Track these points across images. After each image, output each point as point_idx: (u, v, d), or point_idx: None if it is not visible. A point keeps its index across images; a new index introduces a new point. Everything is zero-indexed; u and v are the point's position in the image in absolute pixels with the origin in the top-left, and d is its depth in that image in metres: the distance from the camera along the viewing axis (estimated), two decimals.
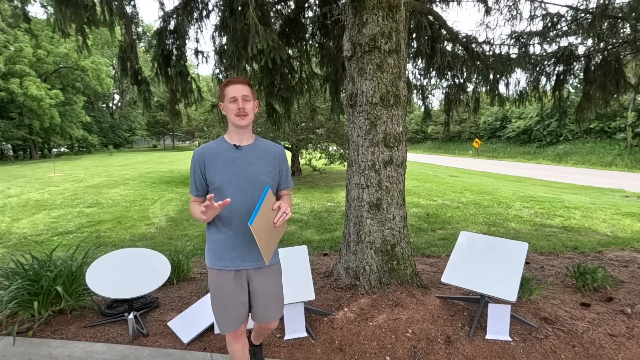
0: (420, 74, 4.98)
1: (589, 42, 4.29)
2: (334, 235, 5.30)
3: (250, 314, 1.78)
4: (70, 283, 2.86)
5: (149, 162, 22.84)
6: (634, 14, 3.53)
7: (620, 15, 3.84)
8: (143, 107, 3.87)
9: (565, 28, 4.25)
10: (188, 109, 4.35)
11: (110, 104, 50.87)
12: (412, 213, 6.83)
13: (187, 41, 3.91)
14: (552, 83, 4.68)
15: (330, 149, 12.19)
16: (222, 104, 1.69)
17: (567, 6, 4.13)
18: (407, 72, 3.90)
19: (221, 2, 3.87)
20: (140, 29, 3.83)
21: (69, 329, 2.66)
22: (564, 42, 4.40)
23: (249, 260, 1.68)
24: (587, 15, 4.03)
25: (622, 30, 4.07)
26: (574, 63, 4.47)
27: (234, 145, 1.68)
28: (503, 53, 4.53)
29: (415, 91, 5.16)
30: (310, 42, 4.76)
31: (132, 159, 26.40)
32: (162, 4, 3.73)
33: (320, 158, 12.15)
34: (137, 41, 3.72)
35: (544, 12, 4.28)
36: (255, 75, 3.97)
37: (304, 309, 2.57)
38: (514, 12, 4.41)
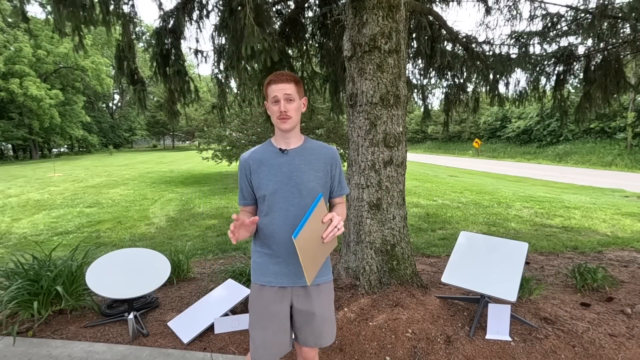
0: (420, 74, 4.99)
1: (589, 42, 4.29)
2: None
3: (296, 337, 1.58)
4: (70, 283, 2.86)
5: (149, 162, 22.84)
6: (634, 14, 3.53)
7: (620, 15, 3.83)
8: (138, 108, 3.87)
9: (565, 28, 4.25)
10: (188, 109, 4.35)
11: (110, 104, 50.89)
12: (412, 213, 6.83)
13: (186, 41, 3.92)
14: (552, 83, 4.68)
15: None
16: (266, 104, 1.52)
17: (567, 6, 4.13)
18: (407, 72, 3.90)
19: (220, 2, 3.87)
20: (139, 29, 3.83)
21: (69, 329, 2.65)
22: (564, 42, 4.41)
23: (294, 277, 1.50)
24: (587, 15, 4.03)
25: (622, 30, 4.07)
26: (574, 63, 4.47)
27: (280, 149, 1.51)
28: (503, 53, 4.53)
29: (415, 91, 5.16)
30: (310, 42, 4.76)
31: (132, 159, 26.40)
32: (160, 3, 3.73)
33: None
34: (136, 41, 3.72)
35: (544, 12, 4.28)
36: (255, 75, 3.97)
37: None
38: (514, 12, 4.41)
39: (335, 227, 1.33)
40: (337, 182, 1.59)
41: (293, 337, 1.61)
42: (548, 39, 4.34)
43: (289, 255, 1.48)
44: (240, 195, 1.58)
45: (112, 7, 3.15)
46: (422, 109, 5.47)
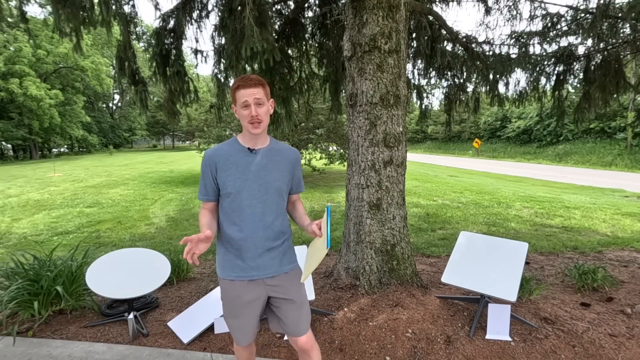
0: (419, 74, 4.99)
1: (589, 42, 4.29)
2: (334, 235, 5.30)
3: (287, 332, 1.66)
4: (70, 283, 2.86)
5: (149, 162, 22.84)
6: (633, 14, 3.53)
7: (620, 15, 3.84)
8: (140, 108, 3.87)
9: (565, 28, 4.26)
10: (188, 109, 4.35)
11: (110, 104, 50.88)
12: (412, 213, 6.83)
13: (186, 41, 3.91)
14: (552, 83, 4.68)
15: (330, 149, 12.19)
16: (234, 107, 1.55)
17: (567, 6, 4.13)
18: (407, 72, 3.90)
19: (220, 2, 3.87)
20: (139, 29, 3.83)
21: (69, 329, 2.65)
22: (564, 42, 4.41)
23: (262, 268, 1.57)
24: (587, 15, 4.04)
25: (622, 30, 4.07)
26: (574, 63, 4.48)
27: (248, 148, 1.56)
28: (503, 53, 4.53)
29: (415, 91, 5.16)
30: (310, 42, 4.76)
31: (132, 159, 26.40)
32: (157, 4, 3.72)
33: (320, 158, 12.15)
34: (137, 41, 3.73)
35: (544, 12, 4.29)
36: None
37: None
38: (514, 12, 4.41)
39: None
40: (297, 181, 1.71)
41: (279, 331, 1.71)
42: (548, 39, 4.34)
43: (258, 251, 1.55)
44: (202, 190, 1.59)
45: (112, 8, 3.15)
46: (421, 109, 5.47)
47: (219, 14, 3.89)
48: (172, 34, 3.84)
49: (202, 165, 1.57)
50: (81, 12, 3.05)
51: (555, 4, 4.39)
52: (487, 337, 2.40)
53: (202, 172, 1.57)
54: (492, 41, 4.54)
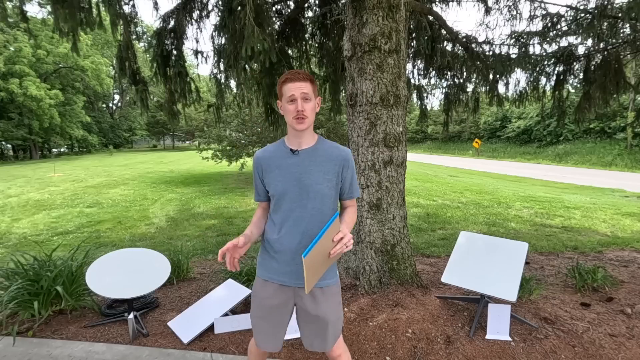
0: (419, 74, 4.99)
1: (589, 42, 4.30)
2: None
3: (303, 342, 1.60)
4: (70, 283, 2.86)
5: (149, 162, 22.84)
6: (633, 14, 3.53)
7: (620, 15, 3.84)
8: (141, 107, 3.88)
9: (565, 28, 4.26)
10: (188, 109, 4.36)
11: (110, 104, 50.89)
12: (412, 213, 6.83)
13: (186, 41, 3.91)
14: (552, 83, 4.68)
15: None
16: (279, 103, 1.49)
17: (567, 6, 4.14)
18: (407, 72, 3.90)
19: (220, 2, 3.87)
20: (140, 29, 3.83)
21: (69, 329, 2.65)
22: (564, 42, 4.41)
23: (295, 276, 1.48)
24: (587, 15, 4.04)
25: (622, 30, 4.07)
26: (574, 63, 4.48)
27: (291, 149, 1.49)
28: (503, 53, 4.53)
29: (415, 91, 5.17)
30: (310, 42, 4.76)
31: (132, 159, 26.40)
32: (156, 3, 3.72)
33: None
34: (137, 41, 3.73)
35: (544, 12, 4.29)
36: (254, 75, 3.97)
37: None
38: (514, 12, 4.41)
39: (345, 244, 1.31)
40: (348, 185, 1.54)
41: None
42: (548, 39, 4.34)
43: (291, 256, 1.47)
44: (255, 191, 1.60)
45: (112, 8, 3.15)
46: (421, 109, 5.47)
47: (219, 14, 3.89)
48: (172, 35, 3.84)
49: (253, 167, 1.58)
50: (79, 13, 3.05)
51: (555, 4, 4.40)
52: (487, 337, 2.40)
53: (253, 174, 1.57)
54: (492, 41, 4.54)
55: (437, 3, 4.55)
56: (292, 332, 2.49)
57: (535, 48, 4.48)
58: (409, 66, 4.83)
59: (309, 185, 1.46)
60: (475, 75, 4.75)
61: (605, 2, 3.72)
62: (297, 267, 1.46)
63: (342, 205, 1.60)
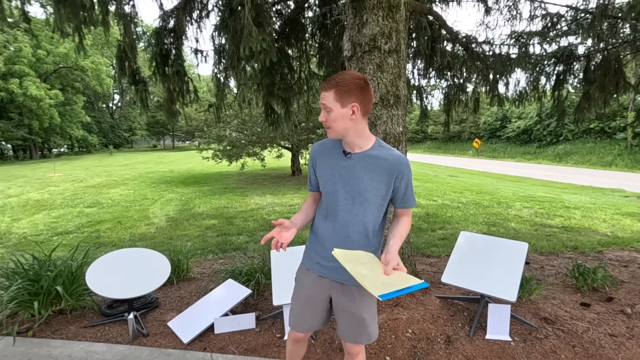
0: (419, 74, 4.99)
1: (589, 42, 4.30)
2: None
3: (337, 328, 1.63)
4: (70, 283, 2.85)
5: (149, 162, 22.85)
6: (633, 14, 3.53)
7: (620, 15, 3.84)
8: (140, 107, 3.87)
9: (565, 28, 4.26)
10: (188, 109, 4.36)
11: (110, 104, 50.91)
12: (412, 213, 6.81)
13: (186, 41, 3.91)
14: (552, 83, 4.68)
15: None
16: None
17: (567, 6, 4.14)
18: (407, 72, 3.90)
19: (221, 2, 3.87)
20: (139, 29, 3.83)
21: (69, 329, 2.65)
22: (564, 42, 4.41)
23: (335, 272, 1.49)
24: (587, 15, 4.04)
25: (622, 30, 4.07)
26: (574, 63, 4.48)
27: (344, 151, 1.45)
28: (503, 53, 4.53)
29: (415, 91, 5.17)
30: (310, 42, 4.76)
31: (132, 159, 26.40)
32: (161, 4, 3.73)
33: None
34: (137, 41, 3.73)
35: (544, 12, 4.29)
36: (255, 75, 3.97)
37: None
38: (514, 12, 4.41)
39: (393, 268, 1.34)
40: (401, 195, 1.47)
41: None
42: (548, 39, 4.34)
43: (330, 253, 1.45)
44: (308, 180, 1.62)
45: (113, 8, 3.15)
46: (421, 109, 5.47)
47: (219, 14, 3.89)
48: (172, 34, 3.84)
49: (309, 157, 1.61)
50: (81, 12, 3.05)
51: (555, 4, 4.40)
52: (487, 337, 2.40)
53: (309, 163, 1.60)
54: (492, 41, 4.54)
55: (437, 3, 4.55)
56: None
57: (535, 48, 4.48)
58: (409, 66, 4.83)
59: (356, 191, 1.43)
60: (475, 75, 4.75)
61: (606, 2, 3.72)
62: (335, 263, 1.43)
63: (395, 214, 1.56)
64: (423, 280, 1.29)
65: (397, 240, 1.44)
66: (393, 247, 1.40)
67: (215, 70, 4.26)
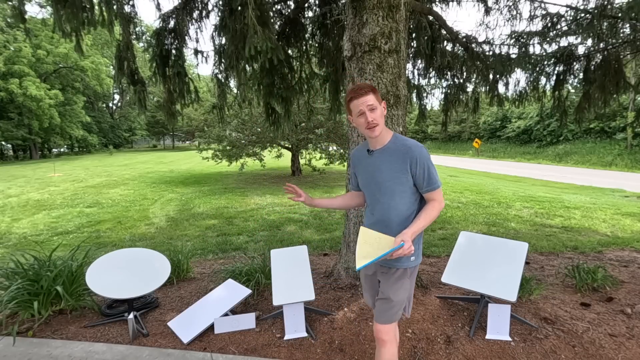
0: (419, 74, 4.98)
1: (589, 42, 4.29)
2: (334, 235, 5.30)
3: None
4: (70, 283, 2.86)
5: (149, 162, 22.85)
6: (633, 14, 3.53)
7: (620, 15, 3.83)
8: (138, 107, 3.87)
9: (565, 28, 4.25)
10: (188, 109, 4.37)
11: (110, 104, 50.89)
12: None
13: (186, 41, 3.91)
14: (552, 83, 4.68)
15: (330, 149, 12.18)
16: (350, 118, 1.68)
17: (567, 6, 4.13)
18: (407, 72, 3.90)
19: (221, 2, 3.87)
20: (139, 29, 3.83)
21: (69, 329, 2.65)
22: (564, 42, 4.40)
23: None
24: (587, 15, 4.03)
25: (622, 30, 4.06)
26: (574, 63, 4.47)
27: (368, 150, 1.71)
28: (503, 53, 4.53)
29: (415, 91, 5.16)
30: (310, 42, 4.76)
31: (132, 159, 26.40)
32: (158, 4, 3.72)
33: (320, 158, 12.14)
34: (137, 41, 3.73)
35: (544, 12, 4.28)
36: (255, 75, 3.97)
37: (304, 308, 2.57)
38: (514, 12, 4.41)
39: (402, 252, 1.46)
40: (422, 179, 1.59)
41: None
42: (548, 39, 4.33)
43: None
44: (349, 180, 1.91)
45: (113, 8, 3.15)
46: (420, 109, 5.46)
47: (219, 14, 3.89)
48: (172, 34, 3.84)
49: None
50: (81, 12, 3.05)
51: (555, 4, 4.40)
52: (487, 337, 2.40)
53: (350, 165, 1.93)
54: (492, 41, 4.54)
55: (437, 3, 4.54)
56: (292, 332, 2.49)
57: (535, 48, 4.47)
58: (409, 66, 4.83)
59: (380, 182, 1.65)
60: (475, 75, 4.75)
61: (605, 2, 3.72)
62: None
63: (425, 199, 1.66)
64: (401, 243, 1.45)
65: (418, 222, 1.56)
66: (408, 229, 1.53)
67: (216, 71, 4.25)
